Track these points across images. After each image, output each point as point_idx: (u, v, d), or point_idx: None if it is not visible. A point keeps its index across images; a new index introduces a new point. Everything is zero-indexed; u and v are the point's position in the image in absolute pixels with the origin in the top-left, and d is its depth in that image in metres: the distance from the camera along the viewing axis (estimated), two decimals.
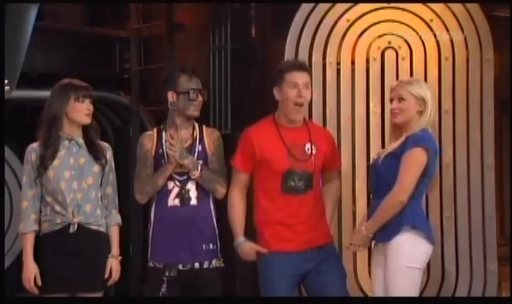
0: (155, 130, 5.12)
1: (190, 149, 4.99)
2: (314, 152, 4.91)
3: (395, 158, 4.69)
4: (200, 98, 5.01)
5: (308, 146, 4.91)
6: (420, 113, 4.73)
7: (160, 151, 5.00)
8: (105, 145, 4.93)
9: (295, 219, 4.88)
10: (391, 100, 4.84)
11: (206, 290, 4.94)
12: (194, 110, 4.99)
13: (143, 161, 5.02)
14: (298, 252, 4.87)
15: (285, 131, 4.90)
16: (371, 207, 4.85)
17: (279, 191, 4.87)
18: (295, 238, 4.88)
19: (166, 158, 4.97)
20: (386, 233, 4.70)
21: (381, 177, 4.77)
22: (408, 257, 4.62)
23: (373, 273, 4.86)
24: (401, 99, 4.77)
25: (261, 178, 4.93)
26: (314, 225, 4.93)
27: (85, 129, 4.84)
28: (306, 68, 4.96)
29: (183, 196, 4.95)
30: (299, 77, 4.86)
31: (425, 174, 4.68)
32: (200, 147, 5.01)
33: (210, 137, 5.06)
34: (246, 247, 4.91)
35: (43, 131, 4.79)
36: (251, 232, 5.02)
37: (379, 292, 4.77)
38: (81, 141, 4.82)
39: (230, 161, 5.02)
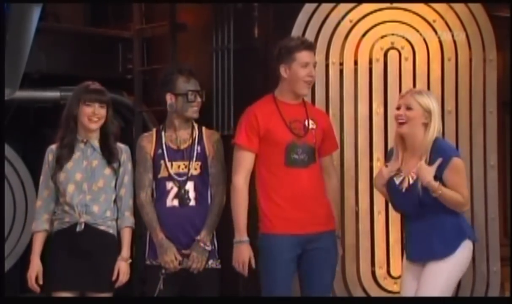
0: (154, 130, 5.12)
1: (189, 150, 4.98)
2: (313, 127, 4.96)
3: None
4: (199, 99, 5.00)
5: (307, 121, 4.96)
6: (426, 125, 4.71)
7: (159, 151, 4.99)
8: (122, 147, 4.94)
9: (301, 193, 4.88)
10: (398, 108, 4.81)
11: (202, 290, 4.93)
12: (193, 112, 4.99)
13: (143, 163, 5.00)
14: (302, 234, 4.86)
15: (284, 107, 4.96)
16: (411, 229, 4.83)
17: (283, 164, 4.88)
18: (300, 216, 4.87)
19: (165, 159, 4.96)
20: (448, 247, 4.70)
21: (421, 202, 4.71)
22: (463, 263, 4.73)
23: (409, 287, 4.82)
24: (408, 108, 4.74)
25: (264, 153, 4.92)
26: (319, 201, 4.94)
27: (104, 134, 4.85)
28: (314, 47, 5.14)
29: (182, 196, 4.94)
30: (310, 57, 4.95)
31: None
32: (199, 149, 5.00)
33: (210, 139, 5.04)
34: (246, 250, 4.85)
35: (60, 132, 4.85)
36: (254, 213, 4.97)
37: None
38: (96, 144, 4.85)
39: (232, 141, 4.98)
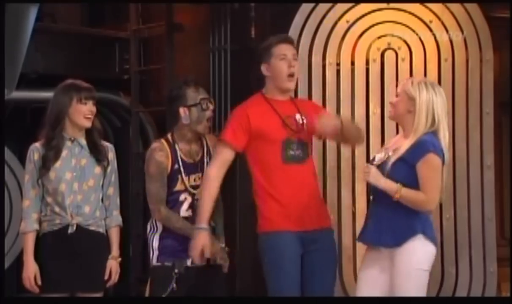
0: (164, 144, 4.98)
1: (201, 162, 4.98)
2: (304, 121, 4.89)
3: (404, 163, 4.58)
4: (211, 106, 4.99)
5: (298, 116, 4.90)
6: (411, 113, 4.62)
7: (176, 166, 4.94)
8: (108, 145, 4.92)
9: (299, 189, 4.84)
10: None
11: (212, 287, 4.94)
12: (205, 127, 4.96)
13: (161, 178, 4.92)
14: (302, 232, 4.81)
15: (276, 104, 4.90)
16: (370, 212, 4.76)
17: (280, 162, 4.84)
18: (300, 214, 4.81)
19: (182, 174, 4.94)
20: (396, 238, 4.60)
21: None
22: (419, 260, 4.56)
23: (368, 275, 4.72)
24: (397, 95, 4.71)
25: (258, 151, 4.87)
26: (316, 197, 4.91)
27: (88, 130, 4.83)
28: (292, 41, 5.03)
29: (196, 207, 4.94)
30: (287, 49, 4.89)
31: None
32: (208, 159, 5.00)
33: (214, 147, 5.04)
34: (205, 238, 4.78)
35: (46, 131, 4.78)
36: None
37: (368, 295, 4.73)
38: (83, 142, 4.82)
39: (218, 138, 4.94)
